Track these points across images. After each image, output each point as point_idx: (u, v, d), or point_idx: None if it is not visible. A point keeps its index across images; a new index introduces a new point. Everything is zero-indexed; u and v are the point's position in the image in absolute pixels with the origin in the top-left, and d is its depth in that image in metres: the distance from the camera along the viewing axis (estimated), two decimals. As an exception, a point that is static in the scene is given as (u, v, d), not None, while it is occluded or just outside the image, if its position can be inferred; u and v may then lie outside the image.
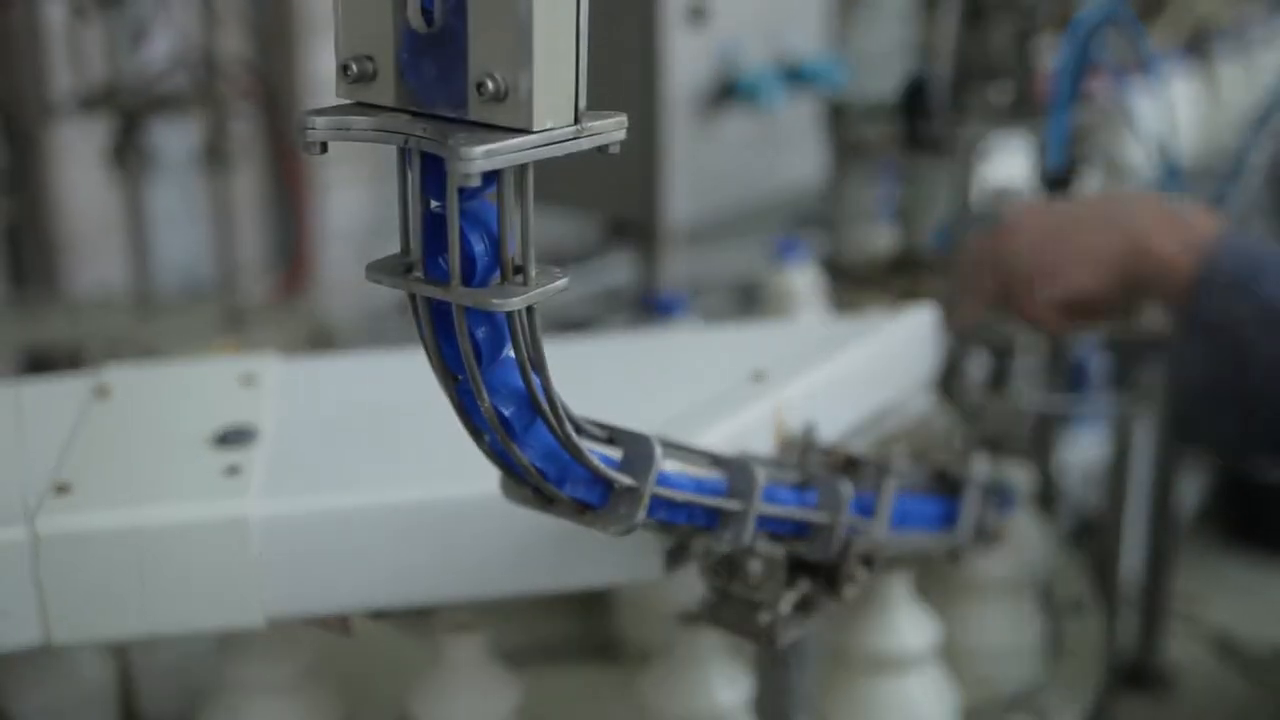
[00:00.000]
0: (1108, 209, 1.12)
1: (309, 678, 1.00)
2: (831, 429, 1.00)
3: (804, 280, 1.61)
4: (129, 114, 1.96)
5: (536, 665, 1.22)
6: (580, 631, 1.29)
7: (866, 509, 0.91)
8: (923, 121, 1.25)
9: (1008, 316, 1.17)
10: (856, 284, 1.49)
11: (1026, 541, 1.17)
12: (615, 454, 0.74)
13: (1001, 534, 1.08)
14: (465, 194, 0.61)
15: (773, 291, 1.60)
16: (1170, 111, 1.28)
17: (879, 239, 1.76)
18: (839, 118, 1.37)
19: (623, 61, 1.81)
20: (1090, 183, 1.28)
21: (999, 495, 1.11)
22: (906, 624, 1.03)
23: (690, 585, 0.90)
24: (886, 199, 1.90)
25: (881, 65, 2.09)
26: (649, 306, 1.46)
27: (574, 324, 2.25)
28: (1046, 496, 1.42)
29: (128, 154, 1.98)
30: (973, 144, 1.22)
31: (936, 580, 1.13)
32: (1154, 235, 1.07)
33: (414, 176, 0.63)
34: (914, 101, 1.25)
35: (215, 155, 2.06)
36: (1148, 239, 1.07)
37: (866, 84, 1.88)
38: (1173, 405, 1.08)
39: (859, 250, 1.72)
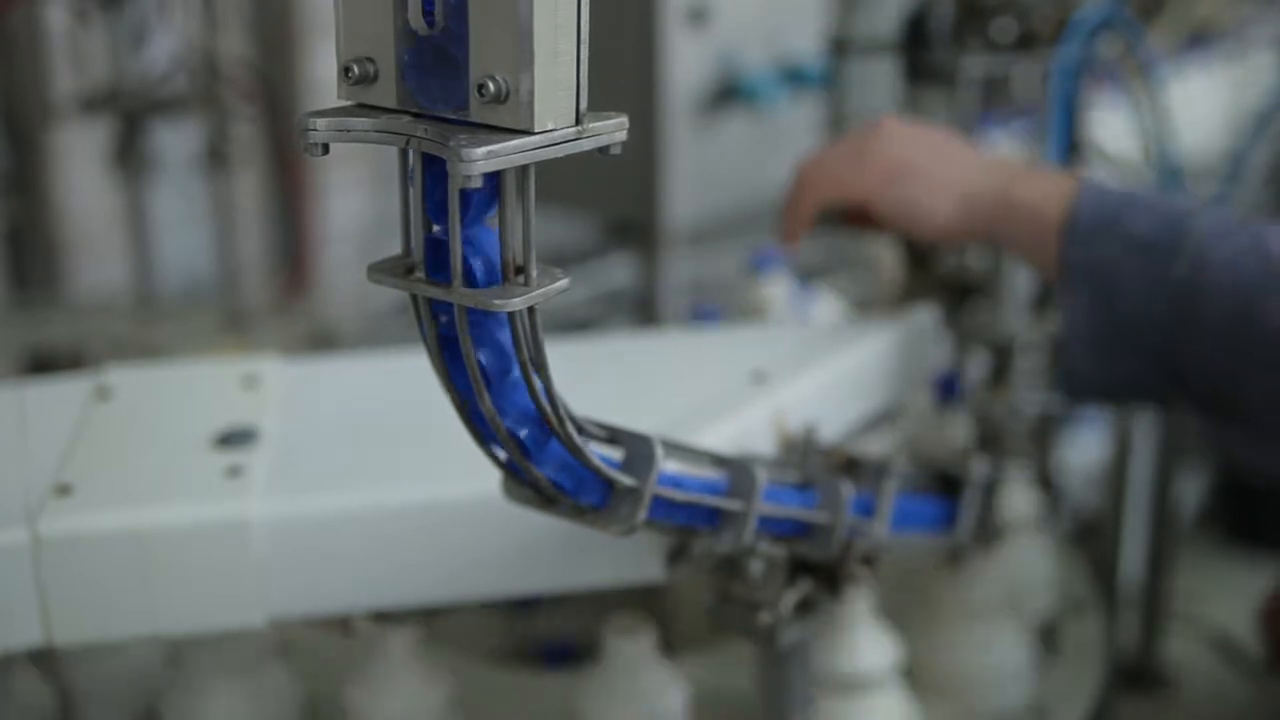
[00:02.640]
0: (970, 152, 1.10)
1: (266, 660, 1.00)
2: (832, 429, 1.00)
3: (778, 291, 1.61)
4: (130, 116, 1.96)
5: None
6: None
7: (867, 509, 0.91)
8: (924, 52, 1.23)
9: (840, 226, 1.14)
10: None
11: (1021, 563, 1.16)
12: (616, 454, 0.74)
13: (1003, 534, 1.08)
14: (466, 195, 0.61)
15: (748, 303, 1.60)
16: (1169, 112, 1.28)
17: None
18: (841, 52, 1.35)
19: (623, 63, 1.81)
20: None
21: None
22: (866, 644, 1.00)
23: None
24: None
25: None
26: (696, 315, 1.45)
27: (575, 325, 2.25)
28: (1046, 497, 1.42)
29: (129, 156, 1.99)
30: (976, 74, 1.21)
31: (926, 602, 1.12)
32: (1017, 184, 1.05)
33: (415, 178, 0.63)
34: (915, 33, 1.24)
35: (216, 157, 2.06)
36: (1011, 187, 1.05)
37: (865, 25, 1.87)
38: (1058, 360, 1.06)
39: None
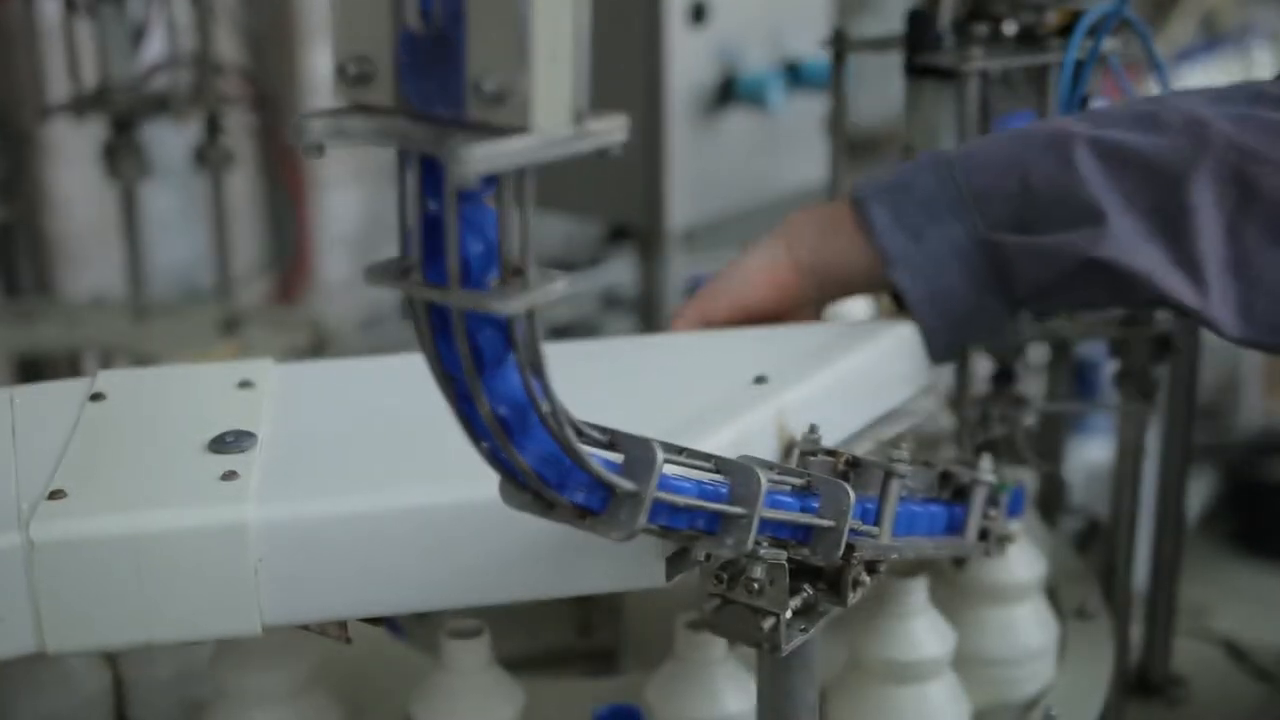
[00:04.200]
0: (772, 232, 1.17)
1: (308, 684, 1.00)
2: (835, 433, 0.99)
3: None
4: (124, 116, 1.95)
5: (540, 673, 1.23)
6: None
7: (870, 514, 0.91)
8: (926, 49, 1.23)
9: None
10: None
11: (1036, 543, 1.16)
12: (616, 458, 0.73)
13: (1009, 539, 1.07)
14: (464, 196, 0.61)
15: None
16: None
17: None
18: (840, 49, 1.34)
19: (623, 62, 1.81)
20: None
21: (1008, 499, 1.10)
22: (925, 632, 1.02)
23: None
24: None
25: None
26: None
27: (575, 328, 2.24)
28: (1053, 501, 1.42)
29: (123, 156, 1.98)
30: (979, 71, 1.20)
31: (943, 584, 1.12)
32: (810, 242, 1.13)
33: (413, 178, 0.62)
34: (917, 28, 1.23)
35: (211, 158, 2.05)
36: (803, 247, 1.13)
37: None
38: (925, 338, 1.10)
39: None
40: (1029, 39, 1.24)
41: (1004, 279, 1.07)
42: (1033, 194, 1.06)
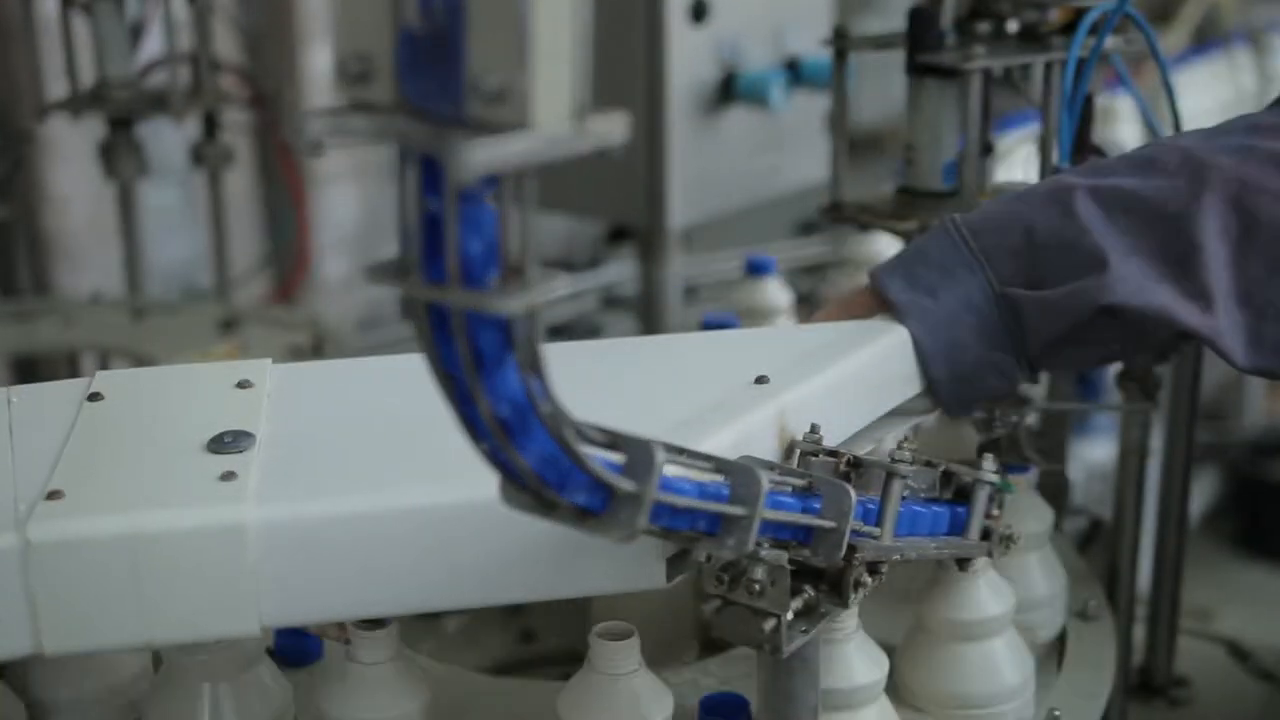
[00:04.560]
0: None
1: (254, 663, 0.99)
2: (836, 433, 0.99)
3: (775, 295, 1.60)
4: (122, 115, 1.95)
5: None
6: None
7: (872, 514, 0.90)
8: (928, 50, 1.22)
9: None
10: (861, 227, 1.46)
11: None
12: (617, 459, 0.73)
13: (1013, 540, 1.07)
14: (464, 195, 0.60)
15: (743, 306, 1.59)
16: (1179, 108, 1.27)
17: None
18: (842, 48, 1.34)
19: (623, 61, 1.80)
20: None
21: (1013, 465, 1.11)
22: (987, 592, 1.06)
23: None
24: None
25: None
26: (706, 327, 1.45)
27: (575, 328, 2.24)
28: (1056, 501, 1.41)
29: (120, 155, 1.97)
30: (981, 71, 1.20)
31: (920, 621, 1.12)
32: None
33: (412, 177, 0.62)
34: (919, 27, 1.22)
35: (210, 156, 2.05)
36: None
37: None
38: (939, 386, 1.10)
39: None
40: (1031, 37, 1.24)
41: (1015, 334, 1.08)
42: (1038, 248, 1.07)
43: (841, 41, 1.35)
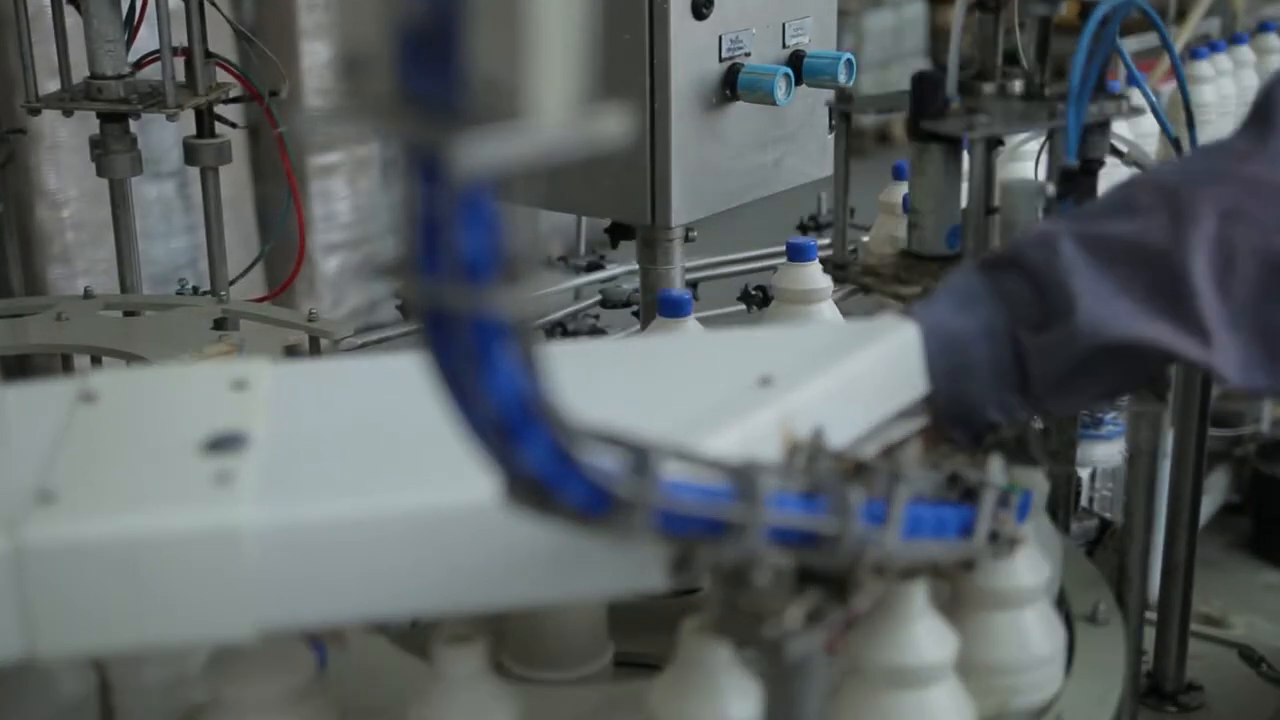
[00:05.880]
0: None
1: (304, 694, 0.98)
2: (841, 435, 0.98)
3: (817, 279, 1.59)
4: (114, 110, 1.94)
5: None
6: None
7: (877, 517, 0.89)
8: (932, 117, 1.22)
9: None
10: (865, 291, 1.47)
11: (1043, 548, 1.15)
12: (618, 460, 0.72)
13: (1018, 542, 1.06)
14: (464, 192, 0.60)
15: (783, 292, 1.58)
16: (1190, 104, 1.27)
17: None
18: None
19: (624, 57, 1.79)
20: (1110, 175, 1.27)
21: (1016, 501, 1.09)
22: (926, 636, 1.00)
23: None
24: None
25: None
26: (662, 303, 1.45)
27: (575, 328, 2.23)
28: (1065, 503, 1.40)
29: (113, 151, 1.96)
30: (986, 137, 1.20)
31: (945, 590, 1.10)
32: None
33: (412, 174, 0.61)
34: (923, 95, 1.22)
35: (204, 153, 2.04)
36: None
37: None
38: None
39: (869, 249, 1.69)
40: (1036, 96, 1.24)
41: (1020, 373, 1.10)
42: (1043, 288, 1.08)
43: (844, 103, 1.35)
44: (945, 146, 1.24)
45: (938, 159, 1.25)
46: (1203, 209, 1.07)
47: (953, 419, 1.11)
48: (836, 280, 1.40)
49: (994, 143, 1.22)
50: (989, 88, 1.26)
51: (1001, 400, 1.11)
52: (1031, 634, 1.10)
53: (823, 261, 1.48)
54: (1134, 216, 1.09)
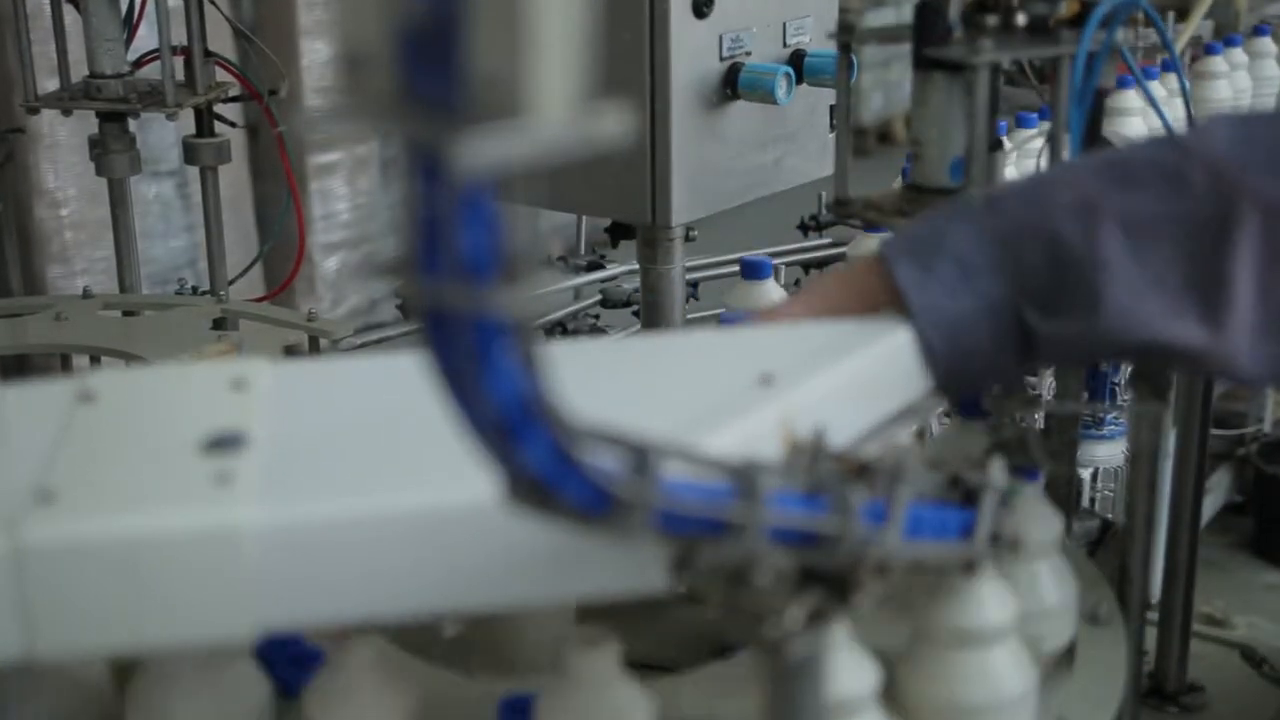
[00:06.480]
0: None
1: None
2: (842, 434, 0.98)
3: (772, 298, 1.59)
4: (113, 109, 1.94)
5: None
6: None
7: (879, 517, 0.89)
8: (935, 44, 1.21)
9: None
10: (866, 226, 1.46)
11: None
12: (618, 460, 0.72)
13: (1020, 543, 1.05)
14: (464, 191, 0.59)
15: (739, 309, 1.58)
16: (1192, 101, 1.27)
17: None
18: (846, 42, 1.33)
19: (625, 55, 1.79)
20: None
21: (1024, 470, 1.09)
22: (990, 599, 1.01)
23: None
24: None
25: None
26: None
27: (575, 328, 2.23)
28: (1066, 503, 1.40)
29: (112, 150, 1.96)
30: (989, 66, 1.19)
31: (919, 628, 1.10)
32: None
33: (412, 173, 0.61)
34: (925, 23, 1.21)
35: (204, 152, 2.04)
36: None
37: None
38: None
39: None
40: (1040, 30, 1.23)
41: (1027, 350, 1.06)
42: (1061, 265, 1.03)
43: (845, 35, 1.34)
44: (948, 75, 1.23)
45: (941, 87, 1.24)
46: (1255, 203, 1.01)
47: (957, 398, 1.10)
48: (839, 216, 1.38)
49: (997, 71, 1.21)
50: (992, 20, 1.24)
51: (1004, 373, 1.08)
52: (1045, 585, 1.11)
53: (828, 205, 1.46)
54: (1183, 194, 1.02)
